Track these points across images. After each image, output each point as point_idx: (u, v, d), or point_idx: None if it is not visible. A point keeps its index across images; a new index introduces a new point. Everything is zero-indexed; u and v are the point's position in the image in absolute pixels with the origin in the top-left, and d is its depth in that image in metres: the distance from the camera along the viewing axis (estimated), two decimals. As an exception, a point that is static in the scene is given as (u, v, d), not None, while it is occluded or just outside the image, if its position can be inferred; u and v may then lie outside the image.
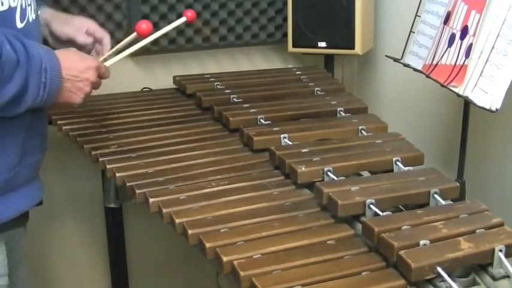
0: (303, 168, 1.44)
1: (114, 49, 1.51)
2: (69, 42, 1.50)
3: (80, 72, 1.30)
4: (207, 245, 1.21)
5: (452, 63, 1.63)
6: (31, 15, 1.31)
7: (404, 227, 1.20)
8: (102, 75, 1.38)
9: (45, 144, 1.42)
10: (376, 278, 1.12)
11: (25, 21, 1.28)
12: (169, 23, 2.14)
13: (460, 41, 1.62)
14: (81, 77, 1.30)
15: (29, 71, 1.19)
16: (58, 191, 2.19)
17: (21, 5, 1.27)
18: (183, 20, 1.61)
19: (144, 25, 1.43)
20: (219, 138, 1.71)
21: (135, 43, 1.50)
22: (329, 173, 1.44)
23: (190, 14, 1.62)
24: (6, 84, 1.16)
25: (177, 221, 1.29)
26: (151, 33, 1.46)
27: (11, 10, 1.24)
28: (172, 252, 2.36)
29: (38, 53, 1.21)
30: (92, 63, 1.34)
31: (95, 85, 1.35)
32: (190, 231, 1.26)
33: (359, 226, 1.27)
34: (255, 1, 2.30)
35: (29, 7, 1.30)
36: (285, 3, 2.27)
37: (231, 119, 1.74)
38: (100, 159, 1.57)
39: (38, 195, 1.42)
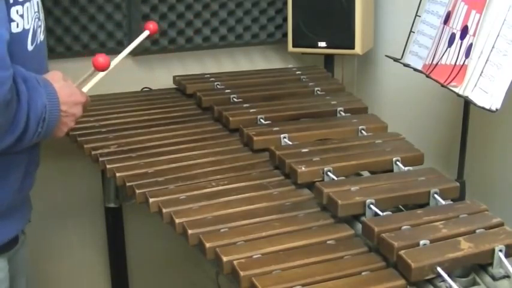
0: (303, 168, 1.44)
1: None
2: None
3: (68, 107, 1.28)
4: (207, 245, 1.21)
5: (452, 63, 1.63)
6: (40, 37, 1.29)
7: (404, 227, 1.20)
8: (85, 107, 1.37)
9: (37, 166, 1.42)
10: (376, 278, 1.12)
11: (35, 44, 1.26)
12: (169, 23, 2.18)
13: (460, 41, 1.62)
14: (68, 113, 1.28)
15: (29, 120, 1.17)
16: (58, 191, 2.19)
17: (34, 27, 1.25)
18: (146, 34, 1.58)
19: (101, 59, 1.36)
20: (219, 138, 1.71)
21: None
22: (329, 173, 1.44)
23: (152, 26, 1.58)
24: (6, 133, 1.15)
25: (177, 221, 1.29)
26: (108, 66, 1.38)
27: (25, 32, 1.22)
28: (172, 252, 2.36)
29: (41, 101, 1.19)
30: (80, 98, 1.32)
31: (78, 119, 1.34)
32: (190, 231, 1.26)
33: (359, 226, 1.27)
34: (255, 1, 2.30)
35: (39, 28, 1.29)
36: (285, 3, 2.27)
37: (231, 119, 1.74)
38: (100, 159, 1.57)
39: (29, 213, 1.44)
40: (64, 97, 1.26)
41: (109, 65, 1.37)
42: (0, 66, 1.09)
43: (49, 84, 1.24)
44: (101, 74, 1.43)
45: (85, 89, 1.41)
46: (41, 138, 1.24)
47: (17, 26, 1.19)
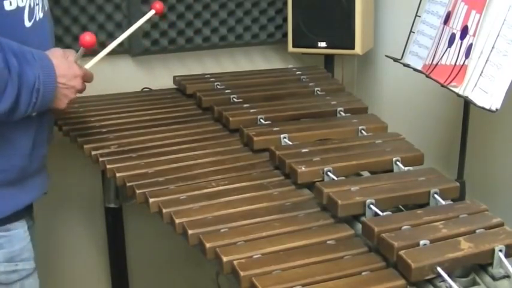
0: (303, 168, 1.44)
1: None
2: None
3: (67, 80, 1.33)
4: (207, 245, 1.21)
5: (452, 63, 1.63)
6: (39, 14, 1.33)
7: (404, 227, 1.20)
8: (86, 80, 1.41)
9: (50, 136, 1.47)
10: (376, 278, 1.12)
11: (33, 20, 1.30)
12: (169, 23, 2.18)
13: (460, 41, 1.62)
14: (68, 85, 1.33)
15: (21, 91, 1.21)
16: (58, 191, 2.18)
17: (30, 5, 1.30)
18: (151, 13, 1.63)
19: (87, 37, 1.40)
20: (219, 138, 1.71)
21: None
22: (329, 173, 1.44)
23: (158, 6, 1.63)
24: None
25: (177, 221, 1.30)
26: (95, 45, 1.43)
27: (20, 10, 1.27)
28: (173, 252, 2.36)
29: (32, 73, 1.23)
30: (79, 71, 1.37)
31: (80, 91, 1.39)
32: (190, 231, 1.26)
33: (359, 226, 1.27)
34: (255, 1, 2.30)
35: (37, 6, 1.33)
36: (285, 3, 2.27)
37: (231, 119, 1.74)
38: (100, 159, 1.57)
39: (45, 185, 1.50)
40: (62, 70, 1.31)
41: (94, 43, 1.39)
42: None
43: (45, 58, 1.28)
44: (102, 53, 1.51)
45: (88, 65, 1.46)
46: (38, 109, 1.28)
47: (10, 4, 1.24)
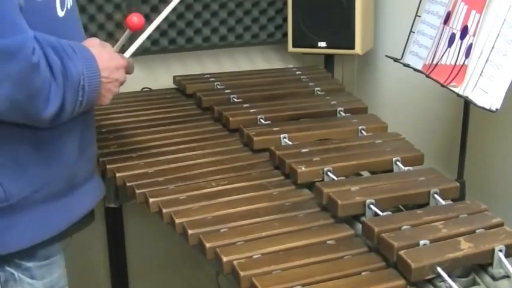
0: (303, 168, 1.44)
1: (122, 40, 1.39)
2: None
3: (110, 72, 1.22)
4: (207, 245, 1.21)
5: (452, 63, 1.63)
6: (69, 3, 1.22)
7: (404, 227, 1.20)
8: (128, 72, 1.30)
9: (95, 135, 1.37)
10: (376, 278, 1.12)
11: (65, 9, 1.19)
12: (169, 23, 2.18)
13: (460, 41, 1.62)
14: (111, 78, 1.22)
15: (66, 90, 1.11)
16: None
17: None
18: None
19: (135, 18, 1.30)
20: (219, 138, 1.71)
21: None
22: (329, 173, 1.44)
23: None
24: (44, 105, 1.09)
25: (177, 221, 1.30)
26: (144, 26, 1.32)
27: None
28: (172, 253, 2.36)
29: (76, 70, 1.12)
30: (121, 62, 1.26)
31: (122, 84, 1.28)
32: (190, 231, 1.26)
33: (359, 226, 1.27)
34: (255, 1, 2.30)
35: None
36: (285, 3, 2.27)
37: (231, 119, 1.74)
38: (100, 159, 1.57)
39: (101, 190, 1.39)
40: (104, 62, 1.19)
41: (143, 25, 1.28)
42: (13, 31, 1.02)
43: (86, 50, 1.17)
44: (141, 38, 1.37)
45: (127, 53, 1.34)
46: (84, 108, 1.18)
47: None
